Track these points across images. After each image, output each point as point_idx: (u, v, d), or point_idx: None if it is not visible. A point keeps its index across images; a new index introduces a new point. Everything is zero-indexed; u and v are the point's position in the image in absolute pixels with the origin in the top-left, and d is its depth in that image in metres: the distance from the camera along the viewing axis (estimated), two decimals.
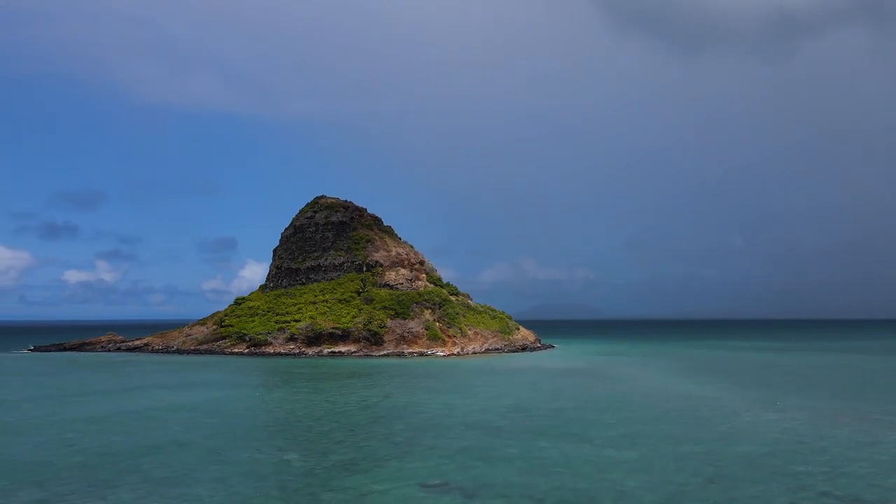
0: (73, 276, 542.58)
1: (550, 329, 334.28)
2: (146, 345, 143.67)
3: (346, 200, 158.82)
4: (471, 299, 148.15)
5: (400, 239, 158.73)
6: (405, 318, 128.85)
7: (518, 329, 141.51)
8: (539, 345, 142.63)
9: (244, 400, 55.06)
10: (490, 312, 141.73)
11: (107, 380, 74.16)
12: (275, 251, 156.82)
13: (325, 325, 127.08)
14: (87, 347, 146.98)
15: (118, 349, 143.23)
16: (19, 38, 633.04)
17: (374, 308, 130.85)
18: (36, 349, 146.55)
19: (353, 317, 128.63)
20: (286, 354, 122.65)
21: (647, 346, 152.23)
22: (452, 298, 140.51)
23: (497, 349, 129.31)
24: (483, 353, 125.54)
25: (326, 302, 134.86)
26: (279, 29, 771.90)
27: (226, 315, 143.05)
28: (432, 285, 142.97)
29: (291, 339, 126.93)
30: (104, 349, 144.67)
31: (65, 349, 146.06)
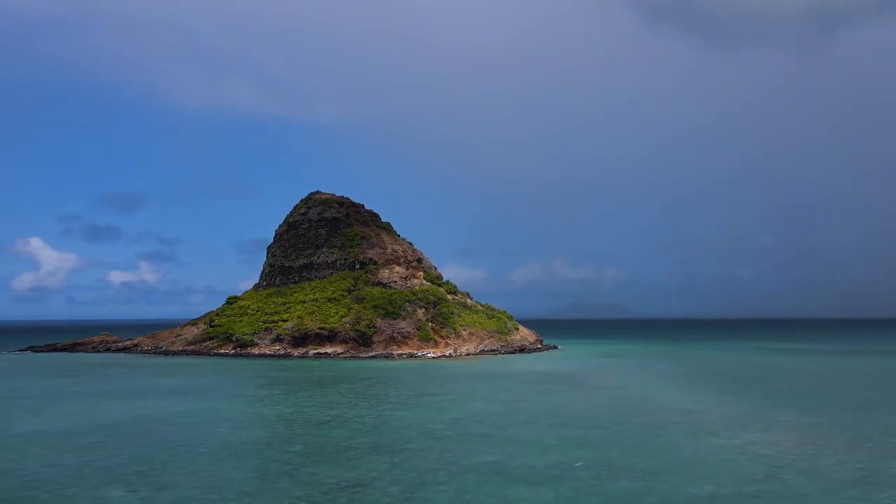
0: (117, 277, 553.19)
1: (575, 328, 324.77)
2: (136, 345, 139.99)
3: (342, 196, 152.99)
4: (469, 298, 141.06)
5: (398, 236, 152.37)
6: (396, 318, 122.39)
7: (517, 329, 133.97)
8: (540, 346, 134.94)
9: (169, 418, 48.95)
10: (488, 312, 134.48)
11: (57, 387, 68.96)
12: (269, 249, 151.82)
13: (312, 325, 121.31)
14: (79, 348, 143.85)
15: (108, 350, 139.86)
16: (64, 48, 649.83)
17: (365, 307, 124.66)
18: (32, 349, 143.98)
19: (342, 316, 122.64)
20: (271, 356, 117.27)
21: (659, 347, 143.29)
22: (449, 297, 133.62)
23: (493, 350, 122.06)
24: (477, 354, 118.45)
25: (316, 301, 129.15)
26: (313, 34, 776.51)
27: (217, 315, 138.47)
28: (429, 284, 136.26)
29: (278, 339, 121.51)
30: (95, 350, 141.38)
31: (56, 350, 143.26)
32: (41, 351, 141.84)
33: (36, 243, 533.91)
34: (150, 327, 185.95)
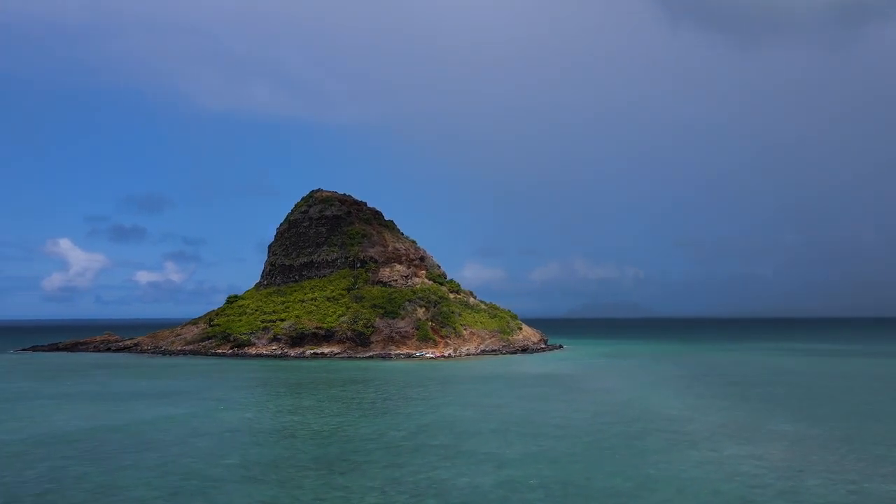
0: (143, 277, 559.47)
1: (589, 328, 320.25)
2: (136, 345, 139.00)
3: (343, 194, 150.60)
4: (473, 297, 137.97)
5: (401, 234, 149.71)
6: (395, 318, 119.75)
7: (520, 329, 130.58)
8: (544, 346, 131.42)
9: (140, 427, 46.63)
10: (490, 311, 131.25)
11: (28, 390, 67.23)
12: (270, 247, 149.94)
13: (309, 324, 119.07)
14: (81, 347, 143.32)
15: (108, 349, 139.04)
16: (88, 53, 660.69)
17: (363, 306, 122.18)
18: (35, 349, 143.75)
19: (339, 316, 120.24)
20: (268, 356, 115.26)
21: (668, 347, 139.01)
22: (451, 296, 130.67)
23: (494, 350, 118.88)
24: (478, 354, 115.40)
25: (315, 300, 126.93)
26: (332, 36, 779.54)
27: (217, 314, 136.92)
28: (430, 282, 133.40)
29: (275, 339, 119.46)
30: (96, 349, 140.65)
31: (58, 349, 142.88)
32: (43, 350, 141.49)
33: (65, 244, 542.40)
34: (173, 326, 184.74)
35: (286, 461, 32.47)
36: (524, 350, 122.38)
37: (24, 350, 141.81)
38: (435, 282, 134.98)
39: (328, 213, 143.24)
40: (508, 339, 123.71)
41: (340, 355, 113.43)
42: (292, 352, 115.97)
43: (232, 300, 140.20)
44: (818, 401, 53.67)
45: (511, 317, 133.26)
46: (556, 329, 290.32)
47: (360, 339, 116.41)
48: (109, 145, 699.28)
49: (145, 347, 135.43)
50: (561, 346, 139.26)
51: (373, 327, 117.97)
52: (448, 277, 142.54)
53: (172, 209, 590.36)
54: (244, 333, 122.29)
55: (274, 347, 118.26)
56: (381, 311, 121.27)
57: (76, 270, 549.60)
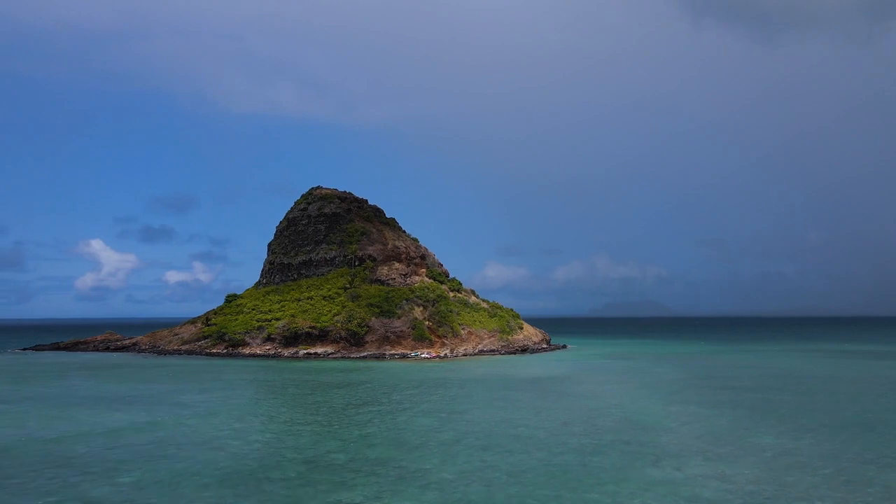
0: (172, 277, 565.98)
1: (605, 327, 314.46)
2: (135, 344, 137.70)
3: (344, 191, 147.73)
4: (475, 295, 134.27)
5: (403, 231, 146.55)
6: (391, 317, 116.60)
7: (521, 329, 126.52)
8: (546, 346, 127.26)
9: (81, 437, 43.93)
10: (491, 310, 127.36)
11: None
12: (269, 245, 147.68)
13: (303, 324, 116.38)
14: (81, 346, 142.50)
15: (107, 349, 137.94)
16: (119, 58, 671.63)
17: (359, 305, 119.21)
18: (36, 348, 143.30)
19: (334, 315, 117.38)
20: (262, 356, 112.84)
21: (678, 348, 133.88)
22: (450, 295, 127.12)
23: (492, 350, 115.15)
24: (475, 355, 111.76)
25: (311, 299, 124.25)
26: (354, 40, 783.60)
27: (215, 313, 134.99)
28: (430, 280, 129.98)
29: (269, 339, 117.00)
30: (95, 349, 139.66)
31: (59, 348, 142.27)
32: (44, 349, 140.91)
33: (97, 244, 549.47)
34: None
35: (187, 478, 29.30)
36: (524, 350, 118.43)
37: (25, 349, 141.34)
38: (435, 280, 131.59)
39: (327, 210, 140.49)
40: (508, 339, 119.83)
41: (334, 355, 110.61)
42: (286, 352, 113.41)
43: (230, 299, 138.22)
44: (816, 408, 49.19)
45: (512, 316, 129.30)
46: (573, 328, 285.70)
47: (353, 339, 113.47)
48: (137, 148, 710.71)
49: (143, 347, 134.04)
50: (565, 346, 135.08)
51: (367, 327, 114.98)
52: (451, 276, 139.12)
53: (199, 209, 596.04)
54: (238, 333, 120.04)
55: (268, 347, 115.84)
56: (378, 310, 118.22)
57: (108, 270, 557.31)
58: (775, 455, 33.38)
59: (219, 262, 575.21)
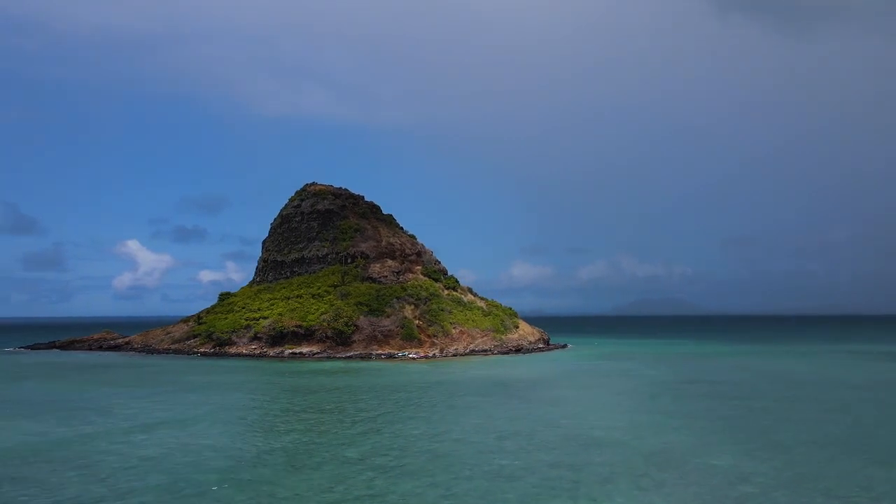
0: (206, 276, 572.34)
1: (624, 325, 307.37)
2: (128, 343, 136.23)
3: (339, 187, 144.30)
4: (471, 293, 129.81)
5: (400, 228, 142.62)
6: (380, 316, 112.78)
7: (517, 328, 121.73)
8: (543, 345, 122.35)
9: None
10: (486, 309, 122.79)
11: None
12: (263, 243, 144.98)
13: (289, 323, 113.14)
14: (76, 345, 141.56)
15: (101, 348, 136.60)
16: (155, 62, 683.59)
17: (348, 304, 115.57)
18: (33, 347, 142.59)
19: (321, 314, 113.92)
20: (248, 355, 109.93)
21: (684, 348, 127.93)
22: (444, 293, 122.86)
23: (485, 350, 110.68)
24: (466, 355, 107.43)
25: (300, 297, 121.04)
26: (382, 43, 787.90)
27: (207, 312, 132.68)
28: (425, 278, 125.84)
29: (255, 338, 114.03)
30: (89, 348, 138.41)
31: (54, 347, 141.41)
32: (41, 348, 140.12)
33: (133, 245, 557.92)
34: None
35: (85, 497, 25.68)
36: (518, 350, 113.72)
37: (21, 348, 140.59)
38: (430, 278, 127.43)
39: (320, 206, 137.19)
40: (501, 339, 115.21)
41: (319, 355, 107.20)
42: (272, 351, 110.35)
43: (223, 297, 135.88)
44: (797, 419, 43.97)
45: (509, 315, 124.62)
46: (593, 327, 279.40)
47: (340, 339, 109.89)
48: (171, 150, 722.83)
49: (135, 346, 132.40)
50: (565, 346, 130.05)
51: (355, 326, 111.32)
52: (449, 274, 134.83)
53: (230, 210, 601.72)
54: (226, 332, 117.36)
55: (254, 347, 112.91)
56: (367, 308, 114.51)
57: (144, 270, 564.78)
58: (723, 482, 28.52)
59: (250, 261, 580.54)
